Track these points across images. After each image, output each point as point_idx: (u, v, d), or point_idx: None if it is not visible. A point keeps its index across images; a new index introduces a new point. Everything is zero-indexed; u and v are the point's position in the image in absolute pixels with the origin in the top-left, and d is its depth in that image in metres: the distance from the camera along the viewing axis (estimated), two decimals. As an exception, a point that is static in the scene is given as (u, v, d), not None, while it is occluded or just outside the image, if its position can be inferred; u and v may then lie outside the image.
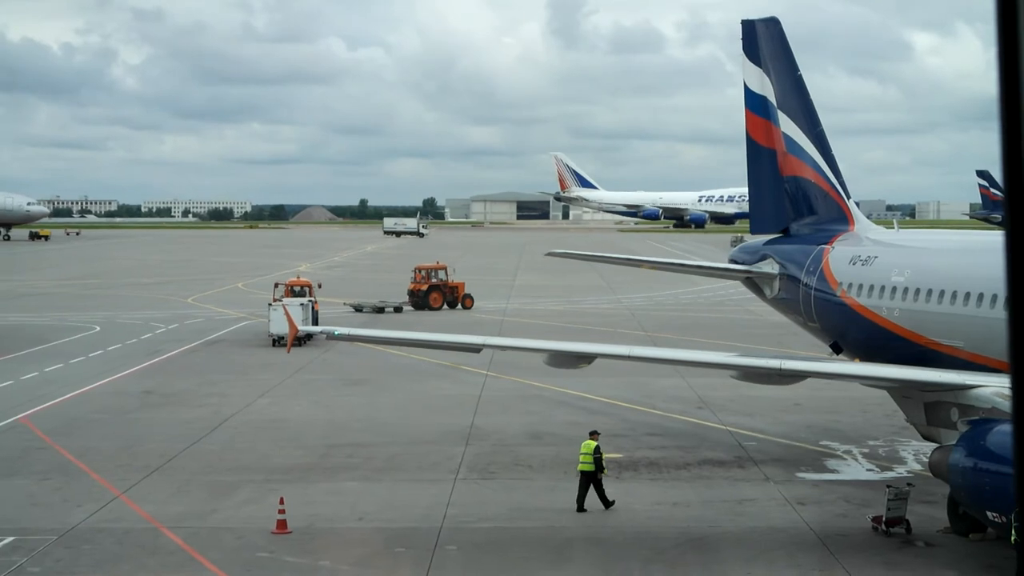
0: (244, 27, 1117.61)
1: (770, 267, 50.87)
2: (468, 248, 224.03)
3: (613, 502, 37.01)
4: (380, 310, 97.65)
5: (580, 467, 37.23)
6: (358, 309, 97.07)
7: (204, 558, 31.68)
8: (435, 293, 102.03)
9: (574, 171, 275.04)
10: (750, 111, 53.31)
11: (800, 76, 51.45)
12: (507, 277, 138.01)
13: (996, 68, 3.75)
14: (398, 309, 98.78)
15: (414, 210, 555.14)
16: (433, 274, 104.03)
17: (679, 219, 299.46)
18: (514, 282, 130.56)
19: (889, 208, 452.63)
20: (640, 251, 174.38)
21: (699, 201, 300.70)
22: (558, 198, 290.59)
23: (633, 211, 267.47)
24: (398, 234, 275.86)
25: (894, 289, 41.60)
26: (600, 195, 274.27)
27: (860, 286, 43.84)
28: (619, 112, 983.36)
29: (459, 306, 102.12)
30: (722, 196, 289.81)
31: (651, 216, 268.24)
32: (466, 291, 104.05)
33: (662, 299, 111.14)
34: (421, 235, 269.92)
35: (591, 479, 36.93)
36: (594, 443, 37.50)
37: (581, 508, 36.54)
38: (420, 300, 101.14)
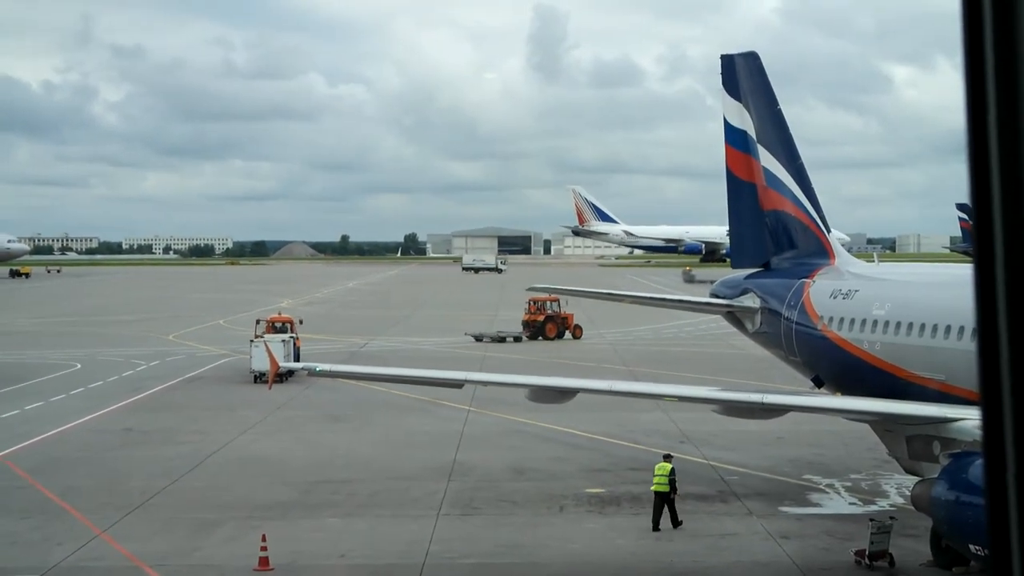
0: (224, 63, 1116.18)
1: (751, 301, 50.97)
2: (449, 282, 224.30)
3: (682, 522, 38.36)
4: (501, 339, 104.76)
5: (654, 487, 38.67)
6: (478, 339, 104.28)
7: (186, 596, 31.55)
8: (551, 324, 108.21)
9: (593, 205, 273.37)
10: (730, 145, 53.50)
11: (779, 110, 51.65)
12: (489, 312, 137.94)
13: (964, 103, 3.80)
14: (517, 339, 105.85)
15: (395, 246, 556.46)
16: (548, 306, 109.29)
17: (714, 252, 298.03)
18: (496, 316, 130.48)
19: (870, 241, 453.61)
20: (621, 286, 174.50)
21: (727, 235, 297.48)
22: (576, 232, 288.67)
23: (673, 245, 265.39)
24: (476, 270, 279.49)
25: (875, 322, 41.70)
26: (618, 229, 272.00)
27: (841, 320, 43.95)
28: (601, 146, 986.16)
29: (569, 335, 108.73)
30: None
31: (693, 251, 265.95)
32: (575, 322, 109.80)
33: (643, 334, 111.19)
34: (500, 271, 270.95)
35: (665, 499, 38.35)
36: (669, 465, 38.90)
37: (656, 528, 38.01)
38: (537, 330, 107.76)
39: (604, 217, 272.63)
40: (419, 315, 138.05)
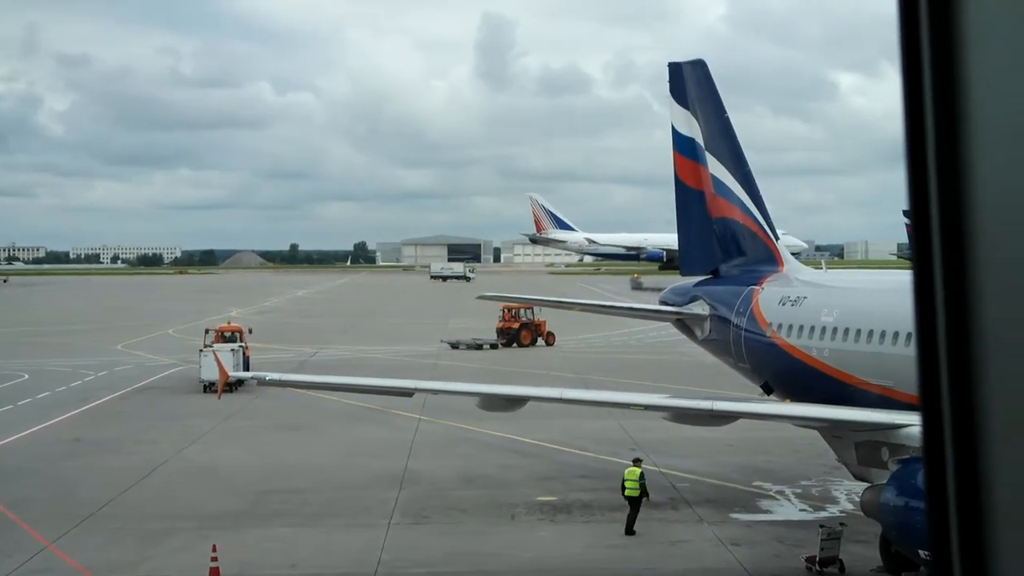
0: (171, 72, 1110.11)
1: (700, 308, 51.15)
2: (402, 291, 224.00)
3: (635, 533, 38.71)
4: (478, 347, 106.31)
5: (627, 493, 39.25)
6: (454, 346, 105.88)
7: (136, 607, 31.40)
8: (525, 331, 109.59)
9: (551, 212, 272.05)
10: (678, 153, 53.66)
11: (727, 118, 51.86)
12: (440, 320, 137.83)
13: (902, 110, 3.85)
14: (493, 346, 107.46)
15: (345, 255, 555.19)
16: (522, 313, 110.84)
17: (673, 260, 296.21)
18: (447, 325, 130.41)
19: (818, 248, 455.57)
20: (571, 293, 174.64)
21: None
22: (534, 240, 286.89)
23: (634, 253, 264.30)
24: (444, 279, 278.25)
25: (823, 329, 41.92)
26: (578, 236, 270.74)
27: (790, 326, 44.15)
28: (550, 154, 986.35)
29: (541, 342, 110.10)
30: None
31: (654, 258, 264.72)
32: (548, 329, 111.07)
33: (593, 341, 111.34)
34: (468, 279, 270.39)
35: (639, 503, 39.11)
36: (638, 470, 39.59)
37: (630, 531, 38.67)
38: (511, 337, 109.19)
39: (561, 225, 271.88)
40: (369, 324, 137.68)
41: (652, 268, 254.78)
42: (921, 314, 3.79)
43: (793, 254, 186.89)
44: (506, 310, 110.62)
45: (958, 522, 3.74)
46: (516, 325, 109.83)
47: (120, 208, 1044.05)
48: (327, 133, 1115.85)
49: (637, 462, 40.49)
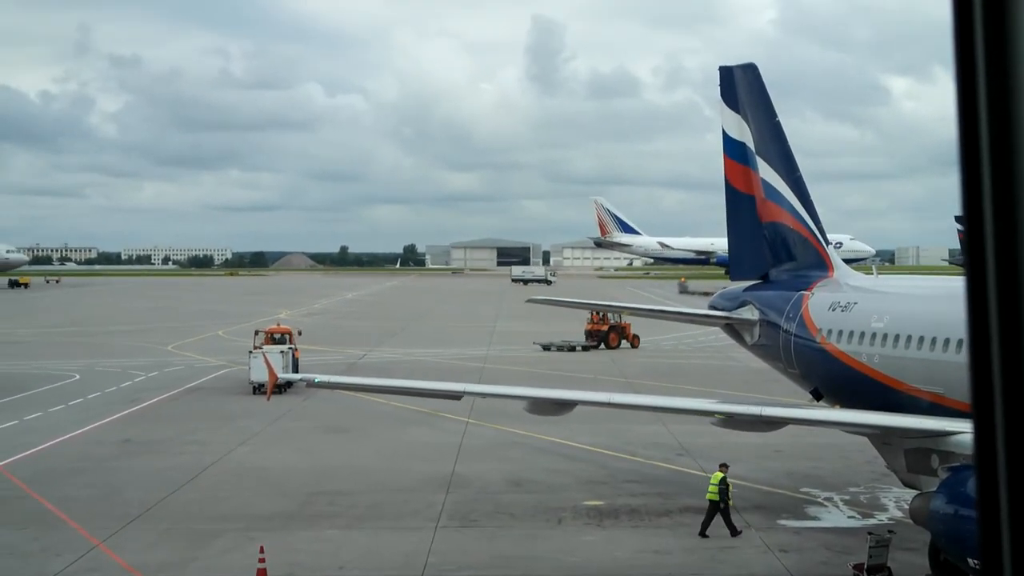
0: (222, 73, 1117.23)
1: (750, 313, 50.98)
2: (447, 293, 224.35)
3: (740, 532, 39.22)
4: (572, 348, 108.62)
5: (708, 496, 39.66)
6: (546, 348, 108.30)
7: (184, 608, 31.51)
8: (613, 333, 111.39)
9: (616, 216, 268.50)
10: (729, 157, 53.49)
11: (778, 122, 51.66)
12: (488, 323, 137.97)
13: (956, 114, 3.81)
14: (585, 348, 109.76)
15: (394, 257, 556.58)
16: (610, 316, 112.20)
17: None
18: (495, 328, 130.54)
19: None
20: (620, 297, 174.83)
21: None
22: (598, 244, 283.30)
23: (704, 258, 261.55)
24: (525, 282, 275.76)
25: (874, 335, 41.68)
26: (645, 240, 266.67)
27: (840, 332, 43.93)
28: (598, 158, 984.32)
29: (627, 344, 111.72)
30: None
31: (724, 262, 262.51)
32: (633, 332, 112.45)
33: (643, 345, 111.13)
34: (549, 282, 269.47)
35: (717, 508, 39.33)
36: (721, 474, 39.74)
37: (703, 534, 39.02)
38: (600, 339, 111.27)
39: (627, 228, 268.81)
40: (418, 327, 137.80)
41: (706, 272, 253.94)
42: (974, 321, 3.75)
43: (860, 259, 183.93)
44: (594, 313, 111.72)
45: (1009, 531, 3.70)
46: (605, 327, 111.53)
47: (171, 209, 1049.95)
48: (375, 135, 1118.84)
49: (723, 467, 40.45)
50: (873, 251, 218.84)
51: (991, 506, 3.74)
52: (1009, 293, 3.66)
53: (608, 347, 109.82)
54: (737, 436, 45.12)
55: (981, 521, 3.79)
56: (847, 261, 57.45)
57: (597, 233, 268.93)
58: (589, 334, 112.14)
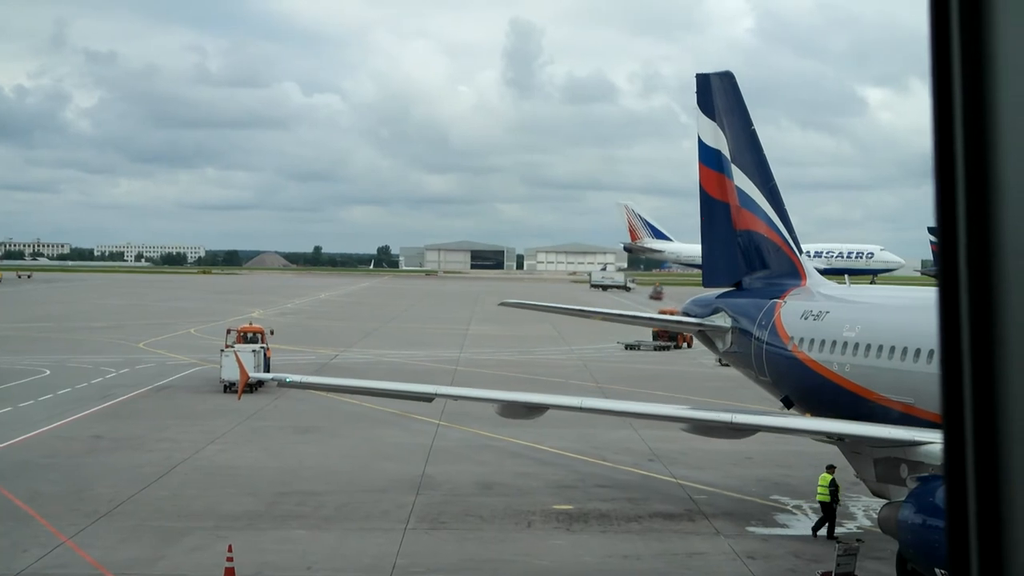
0: (198, 70, 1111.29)
1: (722, 320, 51.09)
2: (424, 297, 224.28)
3: (836, 538, 39.23)
4: (664, 348, 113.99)
5: (818, 498, 40.90)
6: (631, 347, 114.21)
7: (151, 605, 31.42)
8: (680, 334, 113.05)
9: (646, 221, 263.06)
10: (704, 164, 53.59)
11: (754, 130, 51.81)
12: (461, 326, 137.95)
13: (931, 125, 3.83)
14: (661, 348, 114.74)
15: (368, 258, 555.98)
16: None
17: None
18: (468, 331, 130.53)
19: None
20: (593, 302, 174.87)
21: None
22: (628, 249, 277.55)
23: None
24: (605, 287, 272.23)
25: (845, 344, 41.81)
26: (676, 246, 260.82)
27: (812, 341, 44.05)
28: (574, 162, 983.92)
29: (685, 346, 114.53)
30: (809, 252, 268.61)
31: None
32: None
33: (614, 350, 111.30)
34: (628, 289, 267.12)
35: (831, 508, 40.34)
36: (830, 476, 40.38)
37: (815, 534, 40.43)
38: (670, 338, 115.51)
39: (658, 234, 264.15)
40: (390, 328, 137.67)
41: (682, 279, 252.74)
42: (946, 331, 3.77)
43: (889, 270, 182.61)
44: (661, 313, 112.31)
45: (978, 541, 3.72)
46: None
47: (145, 206, 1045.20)
48: (352, 135, 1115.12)
49: (831, 469, 40.60)
50: (903, 262, 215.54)
51: (960, 516, 3.76)
52: (981, 304, 3.68)
53: (676, 347, 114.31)
54: (707, 443, 45.21)
55: (950, 531, 3.81)
56: (877, 272, 57.69)
57: (627, 238, 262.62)
58: (656, 335, 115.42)
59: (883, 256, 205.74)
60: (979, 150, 3.67)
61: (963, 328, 3.71)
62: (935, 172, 3.79)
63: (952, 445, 3.77)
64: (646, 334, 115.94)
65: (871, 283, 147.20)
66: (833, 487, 40.14)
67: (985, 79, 3.64)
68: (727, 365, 51.21)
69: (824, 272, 58.71)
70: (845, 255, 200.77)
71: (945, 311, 3.77)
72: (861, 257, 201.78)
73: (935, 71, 3.79)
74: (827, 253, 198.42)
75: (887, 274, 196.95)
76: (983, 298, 3.66)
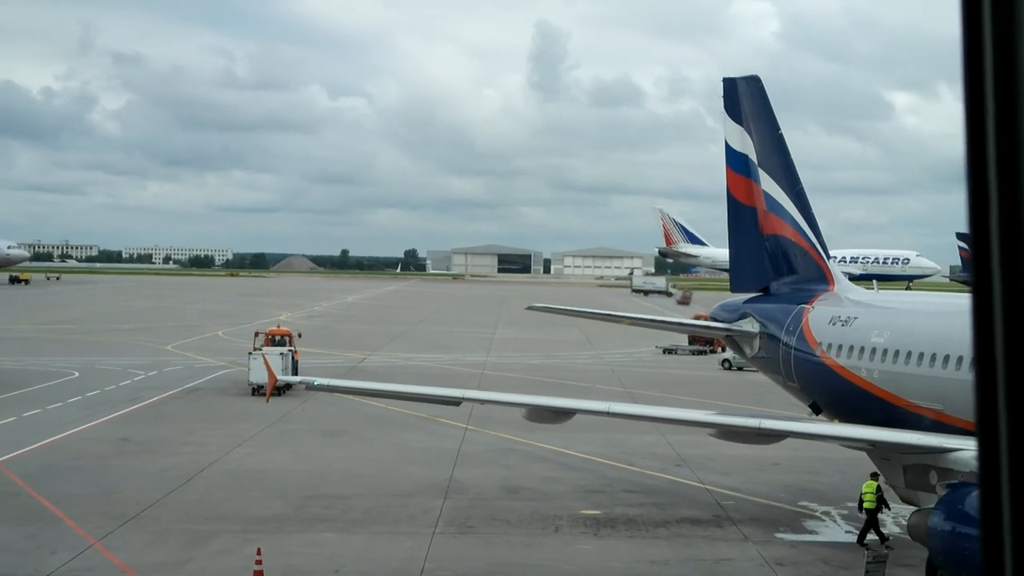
0: (225, 73, 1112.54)
1: (750, 325, 50.98)
2: (450, 300, 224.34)
3: (888, 541, 39.64)
4: (701, 352, 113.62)
5: (865, 505, 40.29)
6: (668, 351, 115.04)
7: (178, 608, 31.47)
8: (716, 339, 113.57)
9: (681, 226, 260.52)
10: (731, 169, 53.50)
11: (781, 135, 51.69)
12: (488, 330, 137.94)
13: (964, 131, 3.81)
14: (698, 352, 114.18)
15: (395, 261, 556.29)
16: None
17: None
18: (494, 335, 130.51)
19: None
20: (620, 307, 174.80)
21: None
22: (663, 254, 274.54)
23: None
24: (646, 293, 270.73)
25: (873, 350, 41.68)
26: (713, 251, 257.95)
27: (840, 347, 43.92)
28: (600, 166, 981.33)
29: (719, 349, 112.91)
30: (844, 257, 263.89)
31: None
32: None
33: (642, 355, 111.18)
34: (669, 294, 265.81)
35: (875, 515, 40.18)
36: (875, 483, 39.83)
37: (884, 540, 39.81)
38: (707, 343, 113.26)
39: (693, 239, 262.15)
40: (418, 331, 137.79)
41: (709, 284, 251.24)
42: (980, 337, 3.74)
43: (926, 276, 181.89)
44: (696, 318, 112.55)
45: (1012, 549, 3.70)
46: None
47: (172, 208, 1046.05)
48: (378, 138, 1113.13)
49: (875, 476, 40.41)
50: (940, 268, 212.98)
51: (994, 524, 3.73)
52: (1014, 311, 3.66)
53: (712, 351, 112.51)
54: (735, 448, 45.11)
55: (984, 539, 3.78)
56: (913, 278, 57.56)
57: (662, 242, 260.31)
58: (692, 339, 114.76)
59: (919, 262, 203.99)
60: (1013, 155, 3.64)
61: (997, 334, 3.69)
62: (967, 177, 3.77)
63: (986, 452, 3.75)
64: (683, 339, 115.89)
65: (907, 289, 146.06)
66: (879, 494, 39.93)
67: (1018, 82, 3.62)
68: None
69: (858, 278, 58.41)
70: (880, 261, 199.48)
71: (979, 317, 3.75)
72: (896, 263, 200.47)
73: (967, 74, 3.76)
74: (862, 259, 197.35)
75: (921, 280, 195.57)
76: (1017, 304, 3.64)
